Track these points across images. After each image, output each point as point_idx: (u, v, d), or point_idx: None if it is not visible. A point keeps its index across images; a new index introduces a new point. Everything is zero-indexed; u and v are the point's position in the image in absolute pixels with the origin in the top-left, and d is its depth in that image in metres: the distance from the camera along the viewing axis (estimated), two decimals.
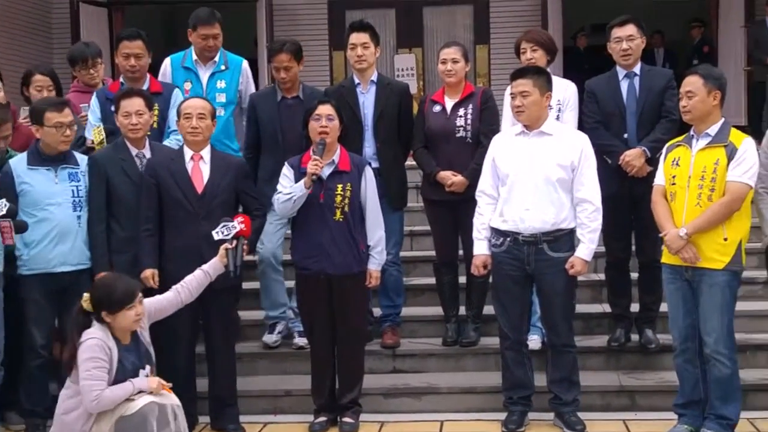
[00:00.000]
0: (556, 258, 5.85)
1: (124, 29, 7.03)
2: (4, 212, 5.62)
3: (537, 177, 5.82)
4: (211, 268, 5.72)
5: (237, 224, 5.72)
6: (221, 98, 7.03)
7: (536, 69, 6.12)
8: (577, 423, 5.98)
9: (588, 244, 5.85)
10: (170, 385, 5.32)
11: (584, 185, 5.86)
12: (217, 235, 5.70)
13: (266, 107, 6.87)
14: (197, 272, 5.70)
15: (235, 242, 5.70)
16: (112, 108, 6.41)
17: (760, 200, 5.69)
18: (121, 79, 6.94)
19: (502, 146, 6.04)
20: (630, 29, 6.57)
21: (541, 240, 5.84)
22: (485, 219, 6.03)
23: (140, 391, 5.17)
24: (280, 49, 6.83)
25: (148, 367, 5.34)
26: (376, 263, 6.12)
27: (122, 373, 5.19)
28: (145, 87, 6.70)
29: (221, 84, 7.05)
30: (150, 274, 5.90)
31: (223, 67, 7.11)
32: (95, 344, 5.13)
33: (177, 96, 6.77)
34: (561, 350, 6.01)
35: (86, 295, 5.28)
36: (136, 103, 6.12)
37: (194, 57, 7.11)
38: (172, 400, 5.27)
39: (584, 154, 5.89)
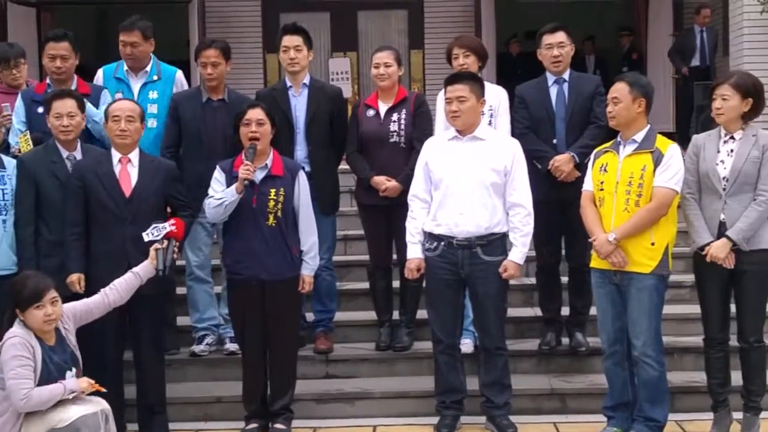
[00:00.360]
0: (489, 262, 5.89)
1: (51, 30, 6.88)
2: None
3: (471, 181, 5.85)
4: (142, 269, 5.65)
5: (168, 225, 5.67)
6: (153, 109, 6.88)
7: (471, 75, 6.16)
8: (509, 426, 6.02)
9: (520, 248, 5.91)
10: (101, 386, 5.27)
11: (516, 190, 5.90)
12: (147, 236, 5.65)
13: (189, 108, 6.76)
14: (127, 274, 5.64)
15: (165, 242, 5.65)
16: (39, 110, 6.34)
17: (687, 206, 5.77)
18: (47, 81, 6.83)
19: (435, 151, 6.06)
20: (560, 36, 6.64)
21: (474, 244, 5.87)
22: (418, 223, 6.04)
23: (72, 392, 5.10)
24: (208, 45, 6.79)
25: (74, 369, 5.27)
26: (309, 269, 6.10)
27: (47, 374, 5.11)
28: (72, 88, 6.57)
29: (153, 95, 6.90)
30: (76, 279, 5.80)
31: (155, 78, 6.98)
32: (18, 342, 5.06)
33: (105, 97, 6.69)
34: (493, 353, 6.05)
35: None
36: (68, 105, 6.03)
37: (125, 68, 6.98)
38: (102, 405, 5.21)
39: (516, 159, 5.94)
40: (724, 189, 5.62)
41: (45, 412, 5.06)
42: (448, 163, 5.94)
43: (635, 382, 5.76)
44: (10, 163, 6.06)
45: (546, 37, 6.67)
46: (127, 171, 5.97)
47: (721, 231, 5.61)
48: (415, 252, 6.06)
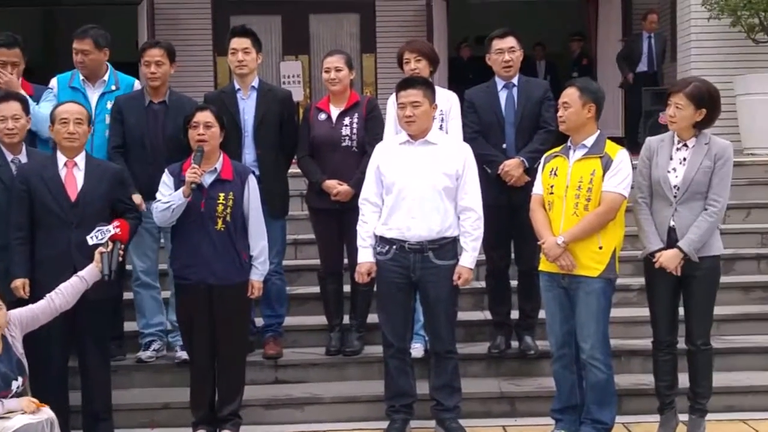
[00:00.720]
0: (440, 266, 5.89)
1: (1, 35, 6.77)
2: None
3: (423, 186, 5.85)
4: (87, 273, 5.57)
5: (112, 228, 5.59)
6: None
7: (424, 80, 6.16)
8: (458, 429, 6.03)
9: (471, 253, 5.92)
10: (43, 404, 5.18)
11: (468, 194, 5.92)
12: (91, 239, 5.56)
13: (133, 111, 6.66)
14: (73, 279, 5.56)
15: (110, 246, 5.57)
16: None
17: (638, 210, 5.81)
18: None
19: (386, 155, 6.04)
20: (510, 41, 6.66)
21: (426, 248, 5.87)
22: (369, 227, 6.03)
23: (11, 412, 5.00)
24: (152, 45, 6.75)
25: (20, 379, 5.19)
26: (258, 274, 6.07)
27: None
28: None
29: (111, 105, 6.77)
30: (20, 284, 5.71)
31: (113, 87, 6.86)
32: None
33: (49, 94, 6.63)
34: (444, 357, 6.05)
35: None
36: (12, 108, 5.97)
37: (81, 77, 6.85)
38: (47, 413, 5.12)
39: (468, 164, 5.95)
40: (675, 197, 5.66)
41: None
42: (400, 167, 5.93)
43: (583, 385, 5.80)
44: None
45: (496, 42, 6.68)
46: (73, 175, 5.89)
47: (670, 237, 5.66)
48: (366, 256, 6.05)
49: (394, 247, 5.91)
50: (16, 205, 5.81)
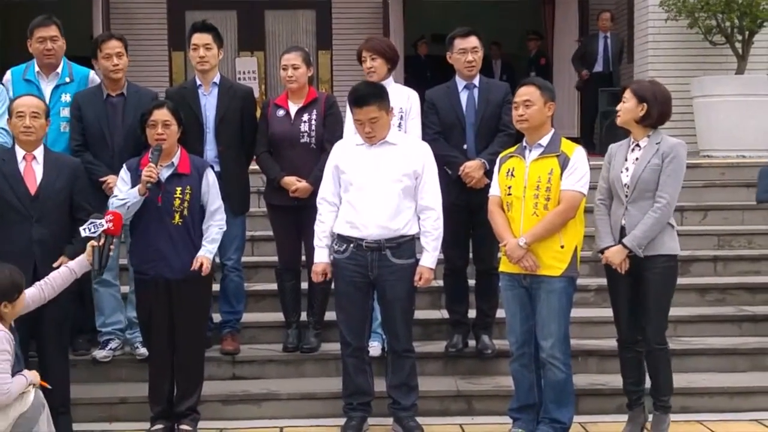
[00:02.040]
0: (398, 264, 5.90)
1: None
2: None
3: (381, 185, 5.84)
4: (77, 264, 5.56)
5: (105, 222, 5.52)
6: (66, 113, 6.68)
7: (376, 91, 5.96)
8: (416, 428, 6.04)
9: (432, 252, 5.93)
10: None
11: (428, 193, 5.92)
12: (84, 231, 5.50)
13: (91, 106, 6.60)
14: (62, 269, 5.55)
15: (102, 240, 5.51)
16: None
17: (597, 211, 5.87)
18: None
19: (344, 154, 6.03)
20: (473, 41, 6.66)
21: (384, 246, 5.87)
22: (326, 227, 6.02)
23: (31, 384, 5.13)
24: (110, 37, 6.71)
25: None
26: (205, 251, 5.94)
27: (18, 365, 5.13)
28: None
29: (66, 98, 6.68)
30: None
31: (67, 80, 6.78)
32: (3, 337, 5.00)
33: (1, 92, 6.54)
34: (401, 355, 6.06)
35: None
36: None
37: (36, 69, 6.76)
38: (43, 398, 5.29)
39: (427, 163, 5.95)
40: (626, 196, 5.73)
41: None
42: (359, 166, 5.92)
43: (541, 384, 5.83)
44: None
45: (458, 41, 6.67)
46: (32, 168, 5.85)
47: (622, 235, 5.72)
48: (321, 256, 6.05)
49: (352, 245, 5.91)
50: None
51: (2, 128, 6.31)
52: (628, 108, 5.73)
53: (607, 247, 5.75)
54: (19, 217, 5.73)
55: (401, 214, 5.87)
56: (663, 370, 5.88)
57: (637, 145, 5.78)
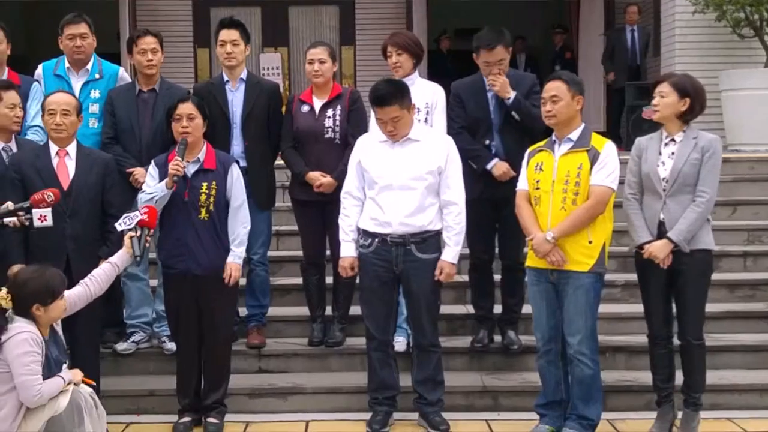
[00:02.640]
0: (423, 259, 5.89)
1: None
2: None
3: (405, 181, 5.83)
4: (118, 258, 5.61)
5: (140, 214, 5.59)
6: (95, 109, 6.73)
7: (396, 90, 5.91)
8: (441, 423, 6.03)
9: (453, 247, 5.91)
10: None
11: (450, 188, 5.90)
12: (120, 226, 5.59)
13: (123, 101, 6.66)
14: (105, 265, 5.59)
15: (138, 231, 5.58)
16: None
17: (628, 206, 5.82)
18: None
19: (368, 149, 6.02)
20: (498, 53, 6.43)
21: (409, 241, 5.86)
22: (351, 221, 6.02)
23: (70, 383, 5.13)
24: (146, 33, 6.74)
25: (66, 362, 5.30)
26: (234, 256, 6.01)
27: (48, 367, 5.09)
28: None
29: (95, 94, 6.73)
30: (17, 269, 5.63)
31: (97, 76, 6.81)
32: (30, 338, 4.99)
33: (36, 89, 6.58)
34: (427, 350, 6.05)
35: (3, 292, 5.09)
36: (12, 97, 5.99)
37: (66, 65, 6.81)
38: (85, 389, 5.23)
39: (450, 158, 5.92)
40: (664, 190, 5.69)
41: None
42: (382, 162, 5.92)
43: (568, 381, 5.80)
44: None
45: (484, 54, 6.45)
46: (65, 164, 5.91)
47: (660, 230, 5.68)
48: (348, 250, 6.04)
49: (377, 240, 5.91)
50: (9, 192, 5.77)
51: (38, 126, 6.39)
52: (669, 103, 5.67)
53: (647, 242, 5.70)
54: (52, 212, 5.76)
55: (426, 211, 5.86)
56: (698, 367, 5.85)
57: (672, 139, 5.73)
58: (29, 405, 4.99)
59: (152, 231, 5.70)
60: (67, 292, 5.36)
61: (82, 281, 5.50)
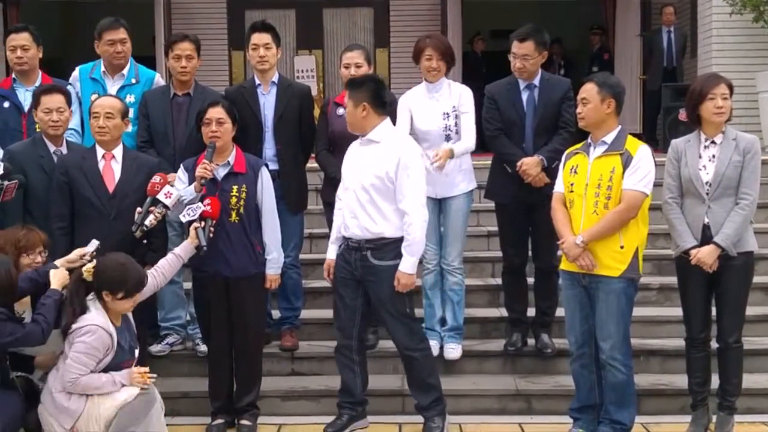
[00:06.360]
0: (378, 266, 5.81)
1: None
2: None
3: (359, 184, 5.83)
4: (182, 250, 5.75)
5: (203, 205, 5.71)
6: (130, 113, 6.64)
7: (356, 82, 6.05)
8: (435, 428, 5.95)
9: (408, 257, 5.75)
10: (153, 375, 5.43)
11: (405, 196, 5.74)
12: (184, 217, 5.73)
13: (157, 105, 6.69)
14: (169, 256, 5.75)
15: (203, 222, 5.70)
16: (5, 104, 6.43)
17: (669, 210, 5.78)
18: (13, 75, 6.78)
19: (348, 152, 6.07)
20: (526, 48, 6.45)
21: (364, 247, 5.83)
22: (338, 222, 6.06)
23: (122, 385, 5.26)
24: (183, 38, 6.75)
25: (136, 351, 5.50)
26: (272, 268, 6.08)
27: (121, 354, 5.29)
28: (37, 83, 6.62)
29: (131, 98, 6.73)
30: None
31: (133, 81, 6.87)
32: (94, 340, 5.17)
33: (72, 96, 6.58)
34: (403, 354, 5.98)
35: (90, 265, 5.28)
36: (57, 100, 6.09)
37: (102, 69, 6.86)
38: (152, 390, 5.40)
39: (402, 165, 5.74)
40: (707, 193, 5.66)
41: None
42: (349, 162, 5.97)
43: (602, 385, 5.75)
44: None
45: (514, 45, 6.50)
46: (111, 167, 5.97)
47: (705, 234, 5.65)
48: (329, 253, 6.09)
49: (343, 244, 5.96)
50: (57, 194, 5.90)
51: (74, 129, 6.46)
52: (730, 106, 5.66)
53: (692, 248, 5.66)
54: (97, 214, 5.84)
55: (377, 215, 5.79)
56: (734, 369, 5.82)
57: (712, 142, 5.70)
58: (62, 386, 5.18)
59: (215, 222, 5.78)
60: None
61: (149, 272, 5.61)
